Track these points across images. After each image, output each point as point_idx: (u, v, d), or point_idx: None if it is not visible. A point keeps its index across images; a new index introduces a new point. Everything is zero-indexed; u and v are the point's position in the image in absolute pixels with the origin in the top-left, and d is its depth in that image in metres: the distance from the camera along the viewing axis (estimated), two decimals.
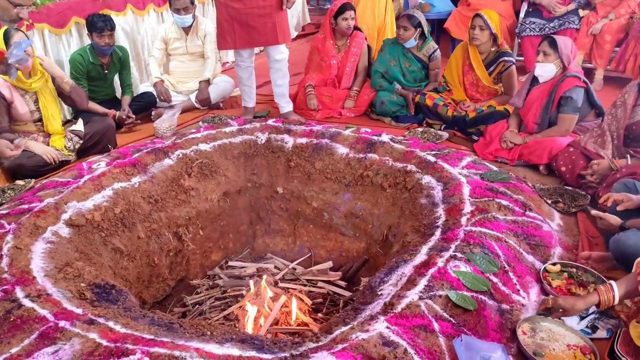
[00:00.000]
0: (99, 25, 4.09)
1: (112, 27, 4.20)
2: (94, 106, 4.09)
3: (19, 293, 2.07)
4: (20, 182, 3.27)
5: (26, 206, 2.71)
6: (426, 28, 4.39)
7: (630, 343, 1.89)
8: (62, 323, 1.90)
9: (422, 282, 2.10)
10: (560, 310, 1.95)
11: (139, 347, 1.75)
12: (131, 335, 1.85)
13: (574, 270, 2.35)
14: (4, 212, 2.72)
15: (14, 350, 1.80)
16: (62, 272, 2.29)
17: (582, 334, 1.96)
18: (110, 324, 1.93)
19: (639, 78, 3.01)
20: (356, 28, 4.66)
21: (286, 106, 4.44)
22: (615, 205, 2.47)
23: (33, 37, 4.08)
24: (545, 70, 3.39)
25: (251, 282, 3.07)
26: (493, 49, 4.03)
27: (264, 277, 3.06)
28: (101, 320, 1.96)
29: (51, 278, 2.22)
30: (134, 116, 4.30)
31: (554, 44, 3.33)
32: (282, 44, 4.19)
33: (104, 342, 1.79)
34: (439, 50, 4.47)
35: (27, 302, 2.01)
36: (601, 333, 2.00)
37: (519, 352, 1.91)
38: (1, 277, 2.16)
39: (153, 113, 4.55)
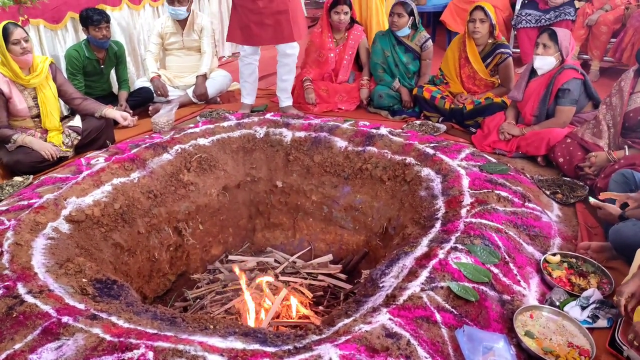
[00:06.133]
0: (95, 18, 4.08)
1: (108, 20, 4.19)
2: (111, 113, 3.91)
3: (21, 289, 2.06)
4: (18, 179, 3.27)
5: (25, 202, 2.71)
6: (417, 18, 4.38)
7: (631, 332, 1.90)
8: (65, 318, 1.89)
9: (424, 274, 2.11)
10: None
11: (142, 342, 1.76)
12: (134, 330, 1.86)
13: (574, 260, 2.37)
14: (4, 208, 2.71)
15: (17, 346, 1.79)
16: (64, 267, 2.28)
17: (592, 339, 1.91)
18: (113, 318, 1.93)
19: (637, 65, 3.01)
20: (355, 21, 4.65)
21: (286, 100, 4.43)
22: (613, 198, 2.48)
23: (29, 33, 4.06)
24: (545, 63, 3.39)
25: (242, 281, 2.98)
26: (490, 41, 4.03)
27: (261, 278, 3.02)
28: (104, 315, 1.95)
29: (52, 274, 2.22)
30: (131, 111, 4.29)
31: (553, 37, 3.33)
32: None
33: (108, 337, 1.79)
34: (431, 40, 4.45)
35: (29, 298, 2.01)
36: (602, 322, 2.01)
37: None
38: (2, 273, 2.16)
39: (150, 108, 4.54)
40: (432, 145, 3.28)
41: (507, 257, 2.27)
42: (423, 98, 4.21)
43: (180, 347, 1.72)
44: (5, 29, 3.31)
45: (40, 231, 2.50)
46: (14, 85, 3.44)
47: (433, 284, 2.04)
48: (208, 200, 3.40)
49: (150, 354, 1.69)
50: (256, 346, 1.79)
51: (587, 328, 1.97)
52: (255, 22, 3.99)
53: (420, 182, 2.99)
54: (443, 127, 3.95)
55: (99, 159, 3.18)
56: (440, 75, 4.36)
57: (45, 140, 3.54)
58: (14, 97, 3.43)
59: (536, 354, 1.84)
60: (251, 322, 2.68)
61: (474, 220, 2.46)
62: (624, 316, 1.91)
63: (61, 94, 3.72)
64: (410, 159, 3.17)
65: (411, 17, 4.30)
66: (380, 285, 2.20)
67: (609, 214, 2.44)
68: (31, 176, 3.30)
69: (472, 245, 2.27)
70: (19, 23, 3.78)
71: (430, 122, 4.09)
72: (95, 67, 4.34)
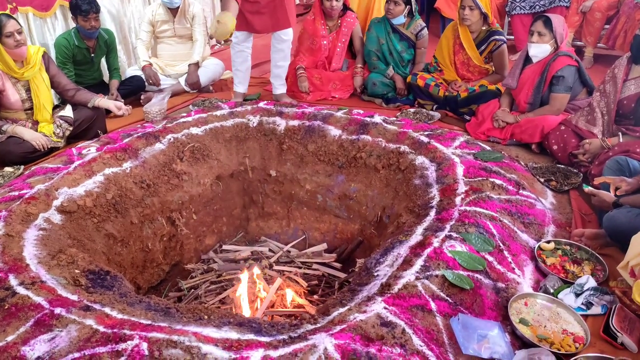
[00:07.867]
0: (84, 8, 4.00)
1: (97, 10, 4.11)
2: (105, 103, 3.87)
3: (13, 281, 2.04)
4: (9, 169, 3.23)
5: (16, 193, 2.68)
6: (414, 6, 4.35)
7: (624, 319, 1.91)
8: (57, 310, 1.88)
9: (418, 263, 2.10)
10: None
11: (136, 333, 1.74)
12: (128, 320, 1.84)
13: (568, 247, 2.37)
14: None
15: (9, 338, 1.78)
16: (56, 258, 2.26)
17: (587, 326, 1.93)
18: (107, 310, 1.92)
19: (630, 52, 3.00)
20: (348, 8, 4.61)
21: (280, 87, 4.40)
22: (607, 184, 2.48)
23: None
24: (541, 50, 3.38)
25: (243, 276, 2.98)
26: (484, 28, 4.01)
27: (255, 269, 3.00)
28: (97, 306, 1.94)
29: (45, 265, 2.20)
30: (122, 100, 4.24)
31: (548, 24, 3.31)
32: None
33: (101, 328, 1.77)
34: (426, 29, 4.42)
35: (21, 290, 1.99)
36: (596, 309, 2.01)
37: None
38: None
39: (142, 97, 4.48)
40: (426, 133, 3.26)
41: (501, 245, 2.27)
42: (417, 86, 4.18)
43: (175, 337, 1.71)
44: None
45: (31, 222, 2.47)
46: (7, 78, 3.38)
47: (428, 273, 2.04)
48: (201, 189, 3.38)
49: (144, 345, 1.68)
50: (251, 336, 1.78)
51: (582, 315, 1.98)
52: (251, 11, 3.95)
53: (414, 170, 2.98)
54: (437, 114, 3.93)
55: (90, 149, 3.15)
56: (435, 62, 4.34)
57: (36, 131, 3.50)
58: (6, 90, 3.38)
59: (531, 341, 1.84)
60: (246, 312, 2.68)
61: (468, 208, 2.46)
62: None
63: (54, 85, 3.66)
64: (404, 147, 3.16)
65: (407, 6, 4.27)
66: (375, 274, 2.20)
67: (603, 201, 2.44)
68: (22, 166, 3.27)
69: (467, 233, 2.27)
70: (8, 12, 3.72)
71: (424, 110, 4.07)
72: (86, 56, 4.28)
